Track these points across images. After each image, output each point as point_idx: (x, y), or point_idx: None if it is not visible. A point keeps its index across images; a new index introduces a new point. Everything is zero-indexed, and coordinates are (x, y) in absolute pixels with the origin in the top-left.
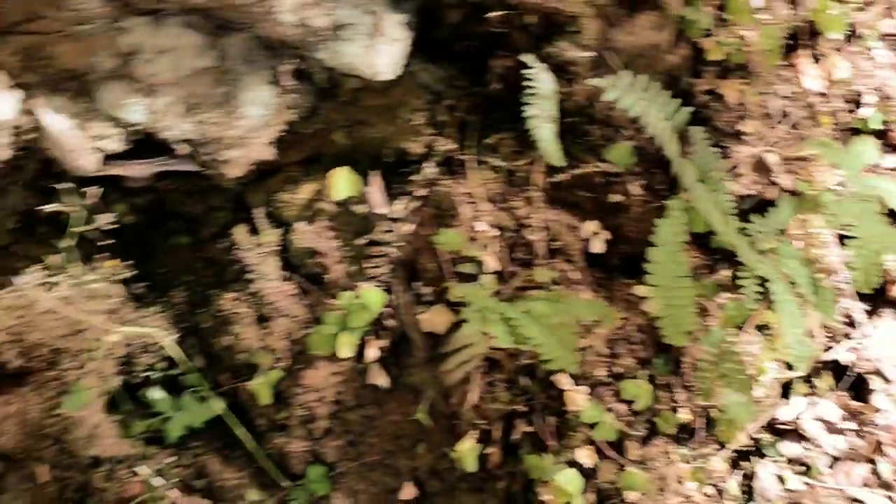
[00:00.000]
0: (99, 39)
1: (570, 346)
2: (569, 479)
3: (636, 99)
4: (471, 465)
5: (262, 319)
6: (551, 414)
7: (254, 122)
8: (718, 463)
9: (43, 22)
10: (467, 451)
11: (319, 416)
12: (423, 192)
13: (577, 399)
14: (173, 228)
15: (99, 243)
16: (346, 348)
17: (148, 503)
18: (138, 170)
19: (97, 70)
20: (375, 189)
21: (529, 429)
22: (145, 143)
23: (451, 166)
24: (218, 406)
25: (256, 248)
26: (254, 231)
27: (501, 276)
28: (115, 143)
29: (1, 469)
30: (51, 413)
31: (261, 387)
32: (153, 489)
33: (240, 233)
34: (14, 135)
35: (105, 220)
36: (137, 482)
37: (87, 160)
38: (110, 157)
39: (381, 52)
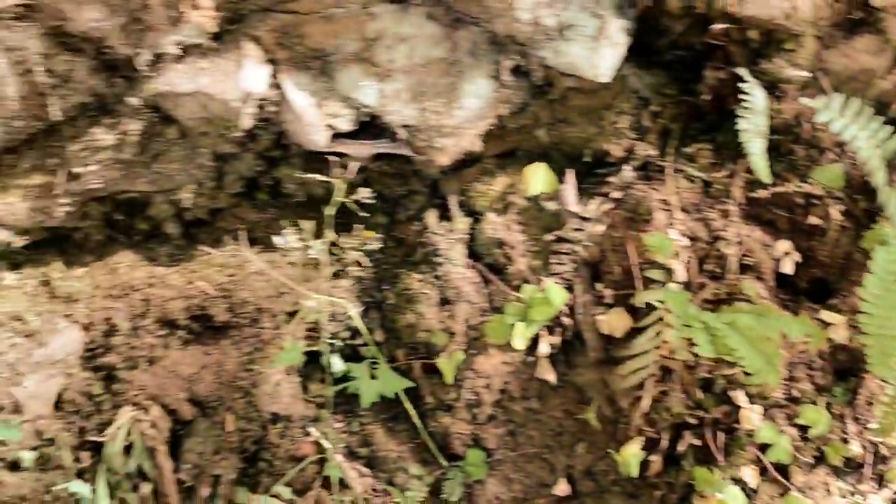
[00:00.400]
0: (349, 23)
1: (774, 360)
2: (734, 497)
3: (848, 123)
4: (634, 470)
5: (445, 302)
6: (721, 430)
7: (470, 113)
8: (878, 502)
9: (303, 2)
10: (631, 456)
11: (485, 403)
12: (617, 194)
13: (753, 418)
14: (373, 207)
15: (360, 214)
16: (520, 340)
17: (321, 464)
18: (361, 149)
19: (341, 52)
20: (570, 187)
21: (696, 442)
22: (367, 125)
23: (648, 172)
24: (406, 380)
25: (447, 234)
26: (444, 217)
27: (688, 287)
28: (345, 123)
29: (194, 414)
30: (245, 367)
31: (446, 366)
32: (323, 451)
33: (431, 217)
34: (258, 106)
35: (365, 193)
36: (309, 443)
37: (319, 136)
38: (337, 136)
39: (604, 54)
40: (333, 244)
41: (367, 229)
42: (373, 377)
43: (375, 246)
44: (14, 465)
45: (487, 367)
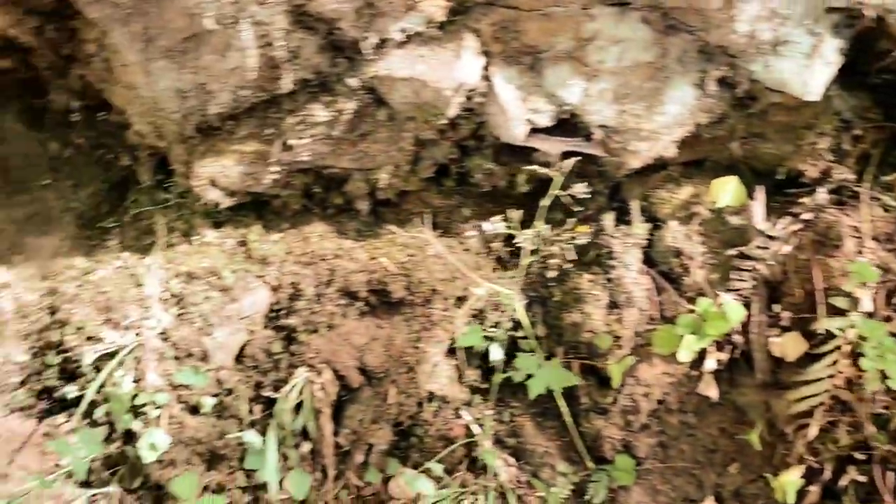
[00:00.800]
0: (566, 22)
1: None
2: None
3: None
4: (790, 497)
5: (613, 305)
6: (892, 469)
7: (669, 119)
8: None
9: None
10: (789, 483)
11: (641, 411)
12: (808, 216)
13: None
14: (549, 204)
15: (574, 209)
16: (687, 353)
17: (468, 448)
18: (554, 146)
19: (553, 49)
20: (759, 204)
21: (861, 478)
22: (563, 123)
23: (842, 196)
24: (574, 377)
25: (623, 238)
26: (622, 221)
27: (871, 318)
28: (545, 119)
29: (361, 382)
30: (413, 344)
31: (615, 369)
32: (472, 435)
33: (609, 220)
34: (466, 97)
35: (580, 188)
36: (460, 425)
37: (518, 130)
38: (534, 131)
39: (815, 73)
40: (540, 236)
41: (549, 223)
42: (541, 369)
43: (584, 241)
44: (194, 409)
45: (649, 375)
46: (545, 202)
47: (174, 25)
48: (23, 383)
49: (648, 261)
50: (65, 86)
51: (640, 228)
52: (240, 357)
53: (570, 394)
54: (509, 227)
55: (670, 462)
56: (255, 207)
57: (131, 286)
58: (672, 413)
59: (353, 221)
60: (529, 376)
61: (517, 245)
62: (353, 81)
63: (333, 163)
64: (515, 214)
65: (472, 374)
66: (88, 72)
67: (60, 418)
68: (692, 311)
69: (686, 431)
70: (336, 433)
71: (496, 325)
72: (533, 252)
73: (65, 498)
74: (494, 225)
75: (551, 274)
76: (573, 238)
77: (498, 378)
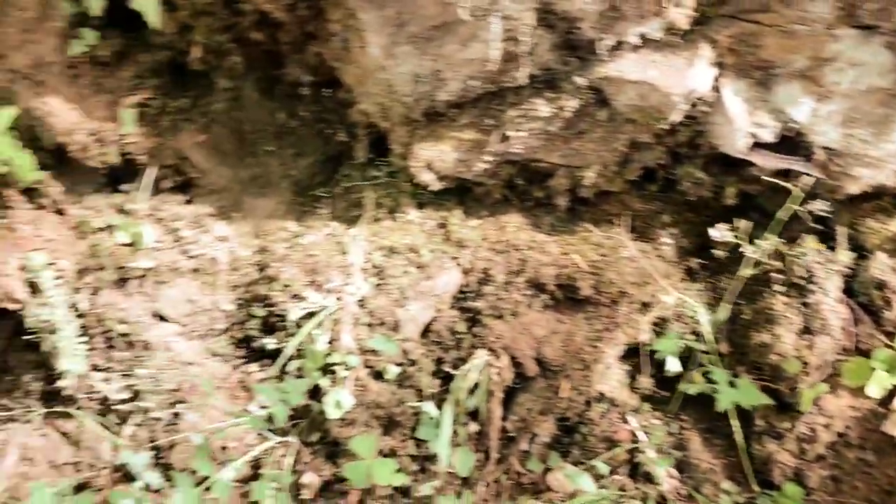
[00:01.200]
0: (807, 41)
1: None
2: None
3: None
4: None
5: (806, 331)
6: None
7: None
8: None
9: (769, 15)
10: None
11: (819, 441)
12: None
13: None
14: (751, 220)
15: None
16: (877, 388)
17: (631, 453)
18: (772, 162)
19: (787, 67)
20: None
21: None
22: (783, 140)
23: None
24: (766, 397)
25: (826, 264)
26: (824, 245)
27: None
28: (768, 134)
29: (536, 372)
30: (591, 343)
31: (807, 394)
32: (637, 441)
33: (811, 243)
34: (692, 104)
35: (820, 206)
36: (626, 430)
37: (741, 142)
38: (755, 145)
39: None
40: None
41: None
42: (733, 385)
43: (817, 258)
44: (378, 375)
45: (833, 406)
46: (782, 215)
47: (426, 13)
48: (226, 331)
49: (848, 290)
50: (301, 61)
51: (844, 256)
52: (426, 332)
53: (744, 414)
54: (737, 238)
55: (841, 497)
56: (458, 193)
57: (336, 253)
58: (851, 447)
59: (549, 216)
60: (716, 390)
61: (713, 256)
62: (580, 80)
63: (543, 157)
64: (743, 224)
65: (646, 382)
66: (325, 50)
67: (254, 367)
68: (890, 347)
69: (862, 468)
70: (504, 418)
71: (679, 336)
72: (756, 265)
73: (246, 441)
74: (722, 233)
75: (777, 288)
76: (805, 254)
77: (683, 387)
